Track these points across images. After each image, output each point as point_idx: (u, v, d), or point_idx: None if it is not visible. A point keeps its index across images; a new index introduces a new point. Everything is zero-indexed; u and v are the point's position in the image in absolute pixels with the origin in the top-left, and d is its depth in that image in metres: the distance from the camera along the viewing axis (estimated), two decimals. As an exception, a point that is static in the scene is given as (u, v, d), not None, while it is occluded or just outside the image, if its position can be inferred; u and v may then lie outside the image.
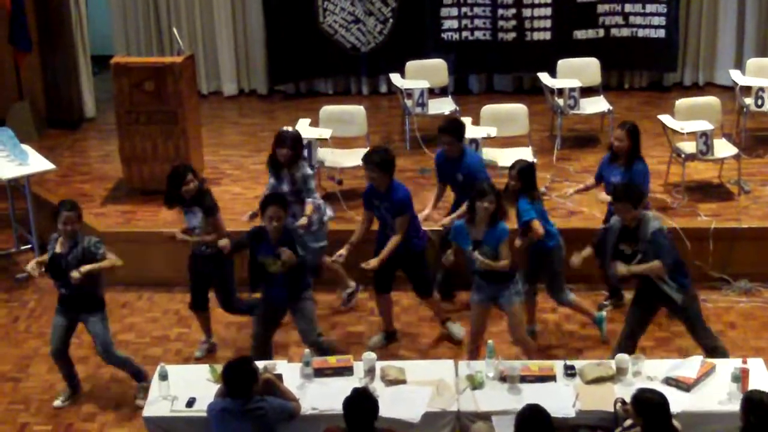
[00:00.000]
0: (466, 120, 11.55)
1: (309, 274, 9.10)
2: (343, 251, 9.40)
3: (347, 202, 11.48)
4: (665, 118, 11.93)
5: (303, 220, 9.67)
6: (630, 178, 9.58)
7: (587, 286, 10.66)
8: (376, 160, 9.37)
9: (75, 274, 8.71)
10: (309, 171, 10.08)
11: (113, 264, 8.91)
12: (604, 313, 10.05)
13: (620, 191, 8.70)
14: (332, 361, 8.48)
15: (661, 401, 7.05)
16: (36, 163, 11.49)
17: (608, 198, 9.50)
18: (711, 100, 12.42)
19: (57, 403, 9.30)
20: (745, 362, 8.08)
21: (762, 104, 12.64)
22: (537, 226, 9.24)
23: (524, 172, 9.42)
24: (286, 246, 8.67)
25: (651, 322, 9.21)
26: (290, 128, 10.30)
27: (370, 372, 8.29)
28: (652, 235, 8.52)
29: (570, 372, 8.26)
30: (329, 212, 10.23)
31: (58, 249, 8.91)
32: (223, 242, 9.27)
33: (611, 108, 13.04)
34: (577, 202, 11.36)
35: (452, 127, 10.09)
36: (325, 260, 10.02)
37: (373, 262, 9.30)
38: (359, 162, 11.56)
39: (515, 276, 8.96)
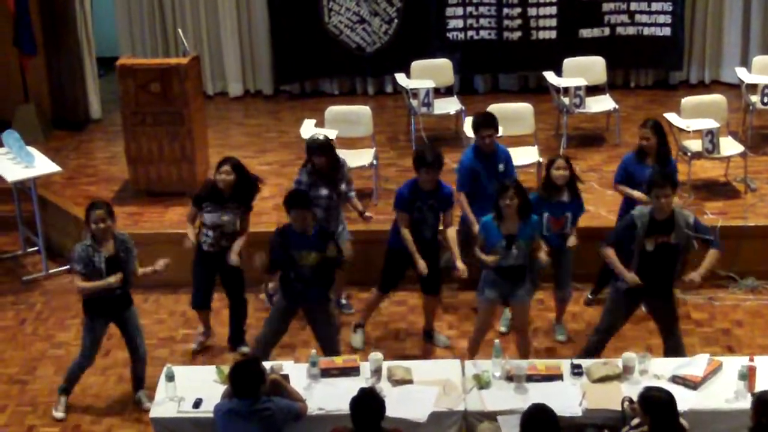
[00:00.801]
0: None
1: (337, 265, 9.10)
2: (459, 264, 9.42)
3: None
4: (671, 117, 11.91)
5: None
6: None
7: (593, 284, 10.67)
8: (438, 161, 9.34)
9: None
10: (347, 168, 10.15)
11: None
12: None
13: (664, 176, 8.65)
14: (339, 361, 8.48)
15: (669, 400, 7.04)
16: (42, 165, 11.49)
17: (642, 196, 9.38)
18: (717, 98, 12.40)
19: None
20: (752, 360, 8.07)
21: (768, 102, 12.64)
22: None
23: (570, 162, 9.50)
24: (322, 243, 8.74)
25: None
26: (319, 136, 10.13)
27: (377, 372, 8.29)
28: (695, 222, 8.55)
29: (577, 371, 8.24)
30: (346, 234, 10.18)
31: (105, 252, 8.75)
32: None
33: (617, 107, 13.03)
34: (584, 200, 11.33)
35: (493, 119, 10.08)
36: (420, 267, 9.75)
37: (461, 266, 9.34)
38: (365, 162, 11.64)
39: (531, 273, 8.98)
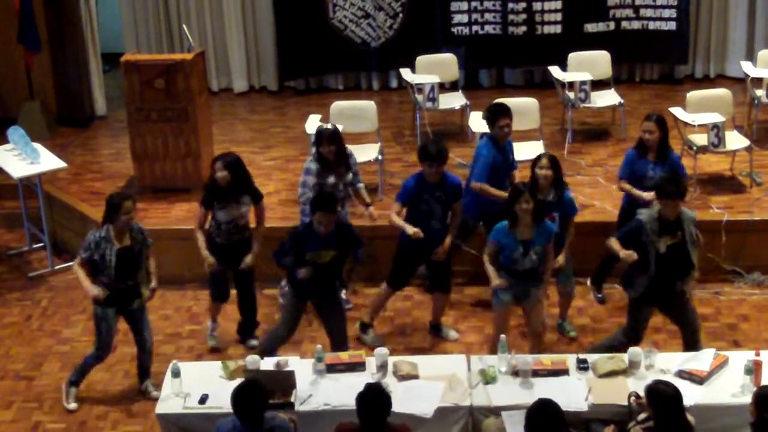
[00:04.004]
0: (477, 114, 11.54)
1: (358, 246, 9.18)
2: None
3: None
4: (676, 111, 11.90)
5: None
6: (671, 168, 9.61)
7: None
8: (441, 154, 9.32)
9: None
10: (354, 158, 10.14)
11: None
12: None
13: (673, 188, 8.55)
14: (345, 356, 8.48)
15: (675, 394, 7.02)
16: (47, 161, 11.50)
17: (649, 195, 9.33)
18: (722, 92, 12.37)
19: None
20: (758, 354, 8.07)
21: (773, 96, 12.62)
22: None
23: (555, 161, 9.38)
24: (345, 239, 8.80)
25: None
26: (328, 125, 10.15)
27: (383, 367, 8.29)
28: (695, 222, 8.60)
29: (583, 366, 8.24)
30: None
31: (117, 244, 8.75)
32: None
33: (622, 101, 13.01)
34: (588, 195, 11.34)
35: (508, 108, 10.08)
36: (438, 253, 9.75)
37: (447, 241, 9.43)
38: (370, 157, 11.64)
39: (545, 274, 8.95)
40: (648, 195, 9.34)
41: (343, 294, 10.42)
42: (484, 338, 9.84)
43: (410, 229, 9.23)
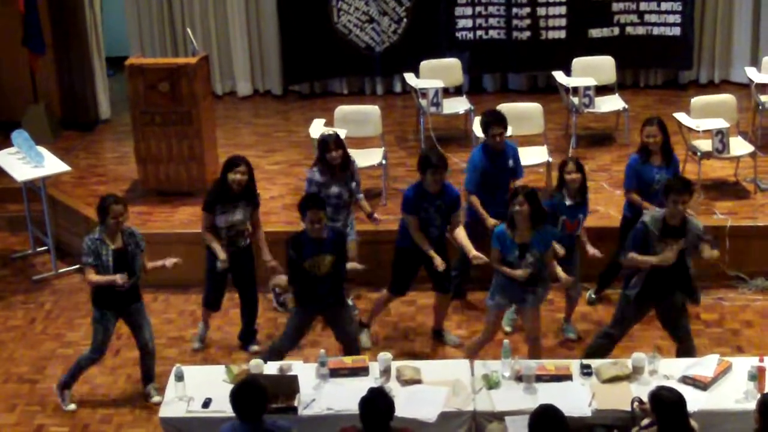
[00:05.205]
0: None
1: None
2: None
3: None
4: (681, 116, 11.90)
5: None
6: (675, 171, 9.65)
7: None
8: (442, 161, 9.33)
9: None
10: (355, 164, 10.13)
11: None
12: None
13: (684, 183, 8.59)
14: (348, 361, 8.48)
15: (678, 400, 7.01)
16: (51, 164, 11.51)
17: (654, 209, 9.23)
18: (726, 97, 12.38)
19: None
20: (761, 360, 8.06)
21: (778, 102, 12.61)
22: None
23: (581, 165, 9.49)
24: (337, 245, 8.77)
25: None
26: (330, 131, 10.20)
27: (386, 372, 8.29)
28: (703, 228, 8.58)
29: (586, 371, 8.24)
30: (353, 234, 10.17)
31: (111, 245, 8.78)
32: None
33: (626, 106, 13.01)
34: (592, 201, 11.30)
35: (503, 117, 10.05)
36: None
37: (476, 254, 9.23)
38: (374, 162, 11.64)
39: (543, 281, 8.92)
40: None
41: (350, 299, 10.44)
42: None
43: (472, 252, 9.24)
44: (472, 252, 9.24)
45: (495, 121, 9.97)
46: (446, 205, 9.40)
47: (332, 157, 9.75)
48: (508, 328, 9.97)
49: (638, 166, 9.87)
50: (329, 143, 9.79)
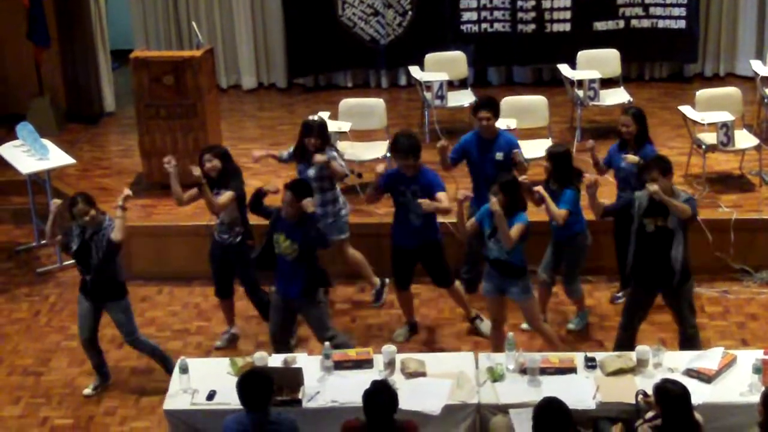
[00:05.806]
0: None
1: (320, 245, 8.99)
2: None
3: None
4: (686, 109, 11.88)
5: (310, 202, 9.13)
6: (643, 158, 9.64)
7: (606, 277, 10.68)
8: (409, 147, 9.35)
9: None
10: (335, 153, 10.06)
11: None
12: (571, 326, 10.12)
13: (650, 162, 8.76)
14: (352, 353, 8.48)
15: (683, 392, 7.01)
16: (56, 157, 11.53)
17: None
18: (732, 90, 12.35)
19: (87, 391, 9.36)
20: (766, 353, 8.04)
21: (783, 95, 12.58)
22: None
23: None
24: (305, 228, 8.70)
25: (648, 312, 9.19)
26: (316, 117, 10.27)
27: (390, 364, 8.29)
28: (688, 200, 8.55)
29: (590, 364, 8.23)
30: (345, 210, 10.18)
31: (77, 241, 8.92)
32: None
33: (631, 99, 12.98)
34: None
35: (491, 102, 10.05)
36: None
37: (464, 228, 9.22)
38: (379, 155, 11.63)
39: (525, 272, 8.90)
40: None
41: (376, 279, 10.42)
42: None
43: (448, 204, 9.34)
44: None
45: (483, 105, 9.98)
46: (422, 189, 9.34)
47: (309, 143, 9.82)
48: (524, 326, 9.89)
49: (613, 151, 10.04)
50: (312, 129, 9.89)
